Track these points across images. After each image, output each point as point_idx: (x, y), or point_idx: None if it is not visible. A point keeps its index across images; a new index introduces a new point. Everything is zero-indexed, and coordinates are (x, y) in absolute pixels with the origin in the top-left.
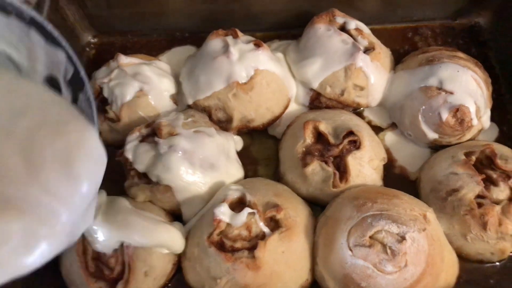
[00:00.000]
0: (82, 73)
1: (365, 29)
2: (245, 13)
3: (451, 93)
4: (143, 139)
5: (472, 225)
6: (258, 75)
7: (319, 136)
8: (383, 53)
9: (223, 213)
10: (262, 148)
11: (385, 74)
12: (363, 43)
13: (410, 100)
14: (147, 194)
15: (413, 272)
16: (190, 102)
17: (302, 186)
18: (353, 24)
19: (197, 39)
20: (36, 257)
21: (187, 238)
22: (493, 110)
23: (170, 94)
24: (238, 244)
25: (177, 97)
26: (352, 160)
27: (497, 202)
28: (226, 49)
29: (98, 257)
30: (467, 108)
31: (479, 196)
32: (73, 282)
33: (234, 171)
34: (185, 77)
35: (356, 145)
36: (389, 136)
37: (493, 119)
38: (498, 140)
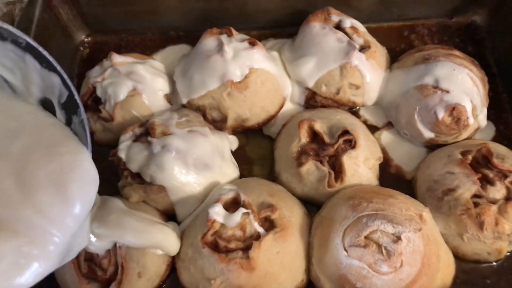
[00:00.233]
0: (76, 96)
1: (361, 27)
2: (240, 12)
3: (447, 91)
4: (136, 139)
5: (468, 224)
6: (252, 74)
7: (314, 136)
8: (379, 52)
9: (217, 213)
10: (257, 148)
11: (381, 73)
12: (359, 41)
13: (406, 99)
14: (141, 194)
15: (409, 272)
16: (184, 101)
17: (297, 186)
18: (349, 22)
19: (192, 37)
20: (28, 277)
21: (181, 238)
22: (489, 108)
23: (164, 93)
24: (232, 245)
25: (171, 97)
26: (348, 160)
27: (493, 202)
28: (220, 47)
29: (91, 258)
30: (463, 106)
31: (475, 196)
32: (66, 283)
33: (229, 171)
34: (179, 76)
35: (351, 144)
36: (385, 135)
37: (489, 117)
38: (495, 139)
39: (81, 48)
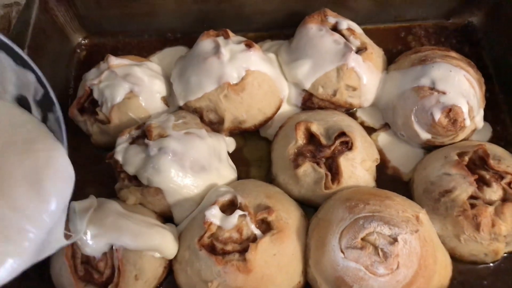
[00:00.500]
0: (51, 94)
1: (357, 29)
2: (237, 13)
3: (444, 93)
4: (133, 141)
5: (465, 226)
6: (249, 75)
7: (311, 137)
8: (376, 53)
9: (214, 215)
10: (254, 150)
11: (378, 74)
12: (355, 43)
13: (402, 100)
14: (138, 197)
15: (406, 274)
16: (181, 103)
17: (294, 188)
18: (345, 24)
19: (189, 39)
20: (3, 273)
21: (178, 241)
22: (486, 110)
23: (161, 95)
24: (229, 247)
25: (168, 99)
26: (344, 161)
27: (490, 203)
28: (217, 49)
29: (88, 260)
30: (460, 108)
31: (472, 197)
32: (63, 286)
33: (226, 173)
34: (176, 78)
35: (348, 146)
36: (382, 137)
37: (486, 119)
38: (492, 140)
39: (78, 51)
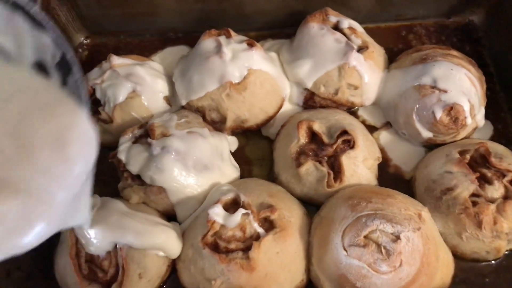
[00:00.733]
0: (70, 55)
1: (359, 28)
2: (238, 13)
3: (445, 91)
4: (136, 141)
5: (467, 224)
6: (251, 75)
7: (313, 136)
8: (377, 52)
9: (217, 214)
10: (257, 149)
11: (379, 73)
12: (357, 42)
13: (404, 98)
14: (141, 196)
15: (408, 271)
16: (184, 102)
17: (297, 186)
18: (347, 23)
19: (190, 39)
20: (32, 237)
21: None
22: (487, 108)
23: (163, 95)
24: (232, 245)
25: (171, 98)
26: (346, 160)
27: (491, 201)
28: (219, 49)
29: (92, 259)
30: (461, 106)
31: (473, 195)
32: (67, 285)
33: (229, 171)
34: (178, 77)
35: (350, 144)
36: (384, 135)
37: (487, 117)
38: (493, 138)
39: (80, 50)
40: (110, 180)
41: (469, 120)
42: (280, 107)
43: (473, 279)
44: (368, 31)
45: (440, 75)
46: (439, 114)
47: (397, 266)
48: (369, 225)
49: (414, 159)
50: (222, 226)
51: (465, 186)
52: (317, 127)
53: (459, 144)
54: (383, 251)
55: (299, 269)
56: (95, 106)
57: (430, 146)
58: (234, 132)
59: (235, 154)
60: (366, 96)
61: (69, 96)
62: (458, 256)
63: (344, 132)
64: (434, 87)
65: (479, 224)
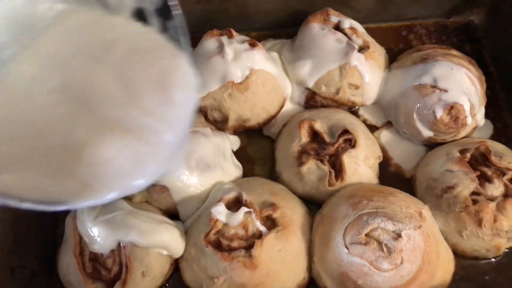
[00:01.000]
0: (171, 1)
1: (360, 28)
2: (240, 13)
3: (445, 90)
4: None
5: (467, 222)
6: (253, 74)
7: (315, 135)
8: (378, 52)
9: (220, 212)
10: (259, 148)
11: (380, 73)
12: (358, 42)
13: (404, 98)
14: (144, 194)
15: (409, 269)
16: None
17: (298, 185)
18: (348, 23)
19: (192, 39)
20: (144, 177)
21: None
22: (487, 107)
23: None
24: (235, 244)
25: None
26: (348, 159)
27: (492, 199)
28: (221, 49)
29: (95, 258)
30: (461, 105)
31: (474, 193)
32: (71, 283)
33: (231, 170)
34: None
35: (351, 143)
36: (385, 135)
37: (487, 116)
38: (493, 137)
39: None
40: None
41: (469, 119)
42: (281, 107)
43: (473, 277)
44: (369, 31)
45: (440, 74)
46: (440, 113)
47: (398, 263)
48: (371, 223)
49: (414, 158)
50: (225, 224)
51: (466, 184)
52: (319, 126)
53: (459, 143)
54: (385, 249)
55: (301, 267)
56: None
57: (431, 145)
58: (236, 132)
59: (237, 154)
60: (367, 95)
61: (169, 42)
62: (458, 254)
63: (345, 131)
64: (434, 86)
65: (479, 222)
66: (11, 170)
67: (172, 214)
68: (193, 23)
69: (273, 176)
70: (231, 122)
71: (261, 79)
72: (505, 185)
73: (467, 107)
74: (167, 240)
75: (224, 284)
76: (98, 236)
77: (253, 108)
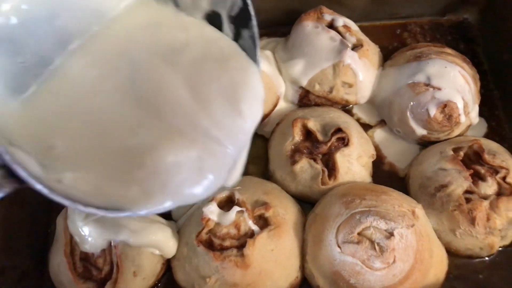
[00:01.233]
0: (251, 7)
1: (353, 26)
2: None
3: (439, 89)
4: None
5: (460, 220)
6: None
7: (308, 134)
8: (371, 50)
9: (212, 211)
10: (252, 147)
11: (374, 71)
12: (351, 40)
13: (398, 96)
14: None
15: (402, 268)
16: None
17: (291, 184)
18: (341, 21)
19: None
20: (203, 188)
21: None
22: (481, 105)
23: None
24: (227, 243)
25: None
26: (341, 157)
27: (485, 197)
28: None
29: (86, 257)
30: (455, 103)
31: (467, 192)
32: (61, 283)
33: None
34: None
35: (344, 142)
36: (378, 133)
37: (481, 114)
38: (487, 135)
39: None
40: None
41: (463, 118)
42: (275, 105)
43: (467, 276)
44: (363, 29)
45: (434, 72)
46: (433, 111)
47: (391, 262)
48: (363, 222)
49: (408, 157)
50: (217, 223)
51: (459, 183)
52: (312, 125)
53: (453, 141)
54: (377, 247)
55: (293, 266)
56: None
57: (425, 144)
58: None
59: None
60: (360, 94)
61: (241, 51)
62: (452, 253)
63: (339, 130)
64: (428, 84)
65: (472, 221)
66: (77, 168)
67: (164, 213)
68: None
69: (266, 175)
70: None
71: None
72: (498, 183)
73: (460, 105)
74: (159, 239)
75: (216, 284)
76: (89, 236)
77: None
